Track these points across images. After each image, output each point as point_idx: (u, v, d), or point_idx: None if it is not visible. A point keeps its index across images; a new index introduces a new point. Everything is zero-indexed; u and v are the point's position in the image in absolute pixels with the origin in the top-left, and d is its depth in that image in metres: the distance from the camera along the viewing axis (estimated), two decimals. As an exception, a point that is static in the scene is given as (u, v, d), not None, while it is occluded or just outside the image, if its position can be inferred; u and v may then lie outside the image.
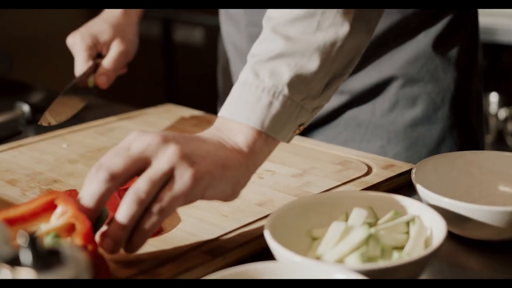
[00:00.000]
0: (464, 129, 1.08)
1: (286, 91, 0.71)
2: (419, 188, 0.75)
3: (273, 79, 0.71)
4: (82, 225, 0.58)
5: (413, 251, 0.64)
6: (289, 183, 0.87)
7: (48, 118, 0.99)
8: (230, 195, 0.70)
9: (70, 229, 0.60)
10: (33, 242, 0.42)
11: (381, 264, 0.59)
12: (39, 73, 2.36)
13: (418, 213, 0.69)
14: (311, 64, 0.72)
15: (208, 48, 2.57)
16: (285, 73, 0.71)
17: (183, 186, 0.64)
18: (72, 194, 0.77)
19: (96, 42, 1.11)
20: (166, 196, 0.64)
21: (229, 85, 1.26)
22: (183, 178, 0.64)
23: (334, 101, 1.09)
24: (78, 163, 0.97)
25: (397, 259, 0.64)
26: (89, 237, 0.58)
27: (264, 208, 0.80)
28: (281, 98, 0.71)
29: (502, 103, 2.08)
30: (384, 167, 0.91)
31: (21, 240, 0.42)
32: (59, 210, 0.61)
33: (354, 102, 1.08)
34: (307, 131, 1.13)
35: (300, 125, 0.75)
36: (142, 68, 2.99)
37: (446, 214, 0.70)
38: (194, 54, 2.67)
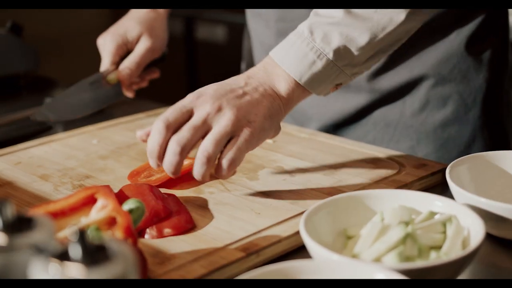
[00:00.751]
0: (495, 130, 1.07)
1: (331, 55, 0.79)
2: (454, 187, 0.74)
3: (323, 42, 0.79)
4: (123, 219, 0.58)
5: (451, 251, 0.64)
6: (321, 181, 0.87)
7: (45, 114, 0.99)
8: (274, 133, 0.83)
9: (110, 222, 0.60)
10: (83, 236, 0.42)
11: (420, 263, 0.59)
12: (65, 70, 2.37)
13: (454, 212, 0.69)
14: (360, 39, 0.80)
15: (230, 46, 2.57)
16: (335, 40, 0.79)
17: (243, 143, 0.77)
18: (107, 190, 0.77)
19: (125, 41, 1.11)
20: (230, 152, 0.77)
21: None
22: (242, 136, 0.77)
23: (363, 99, 1.08)
24: (109, 159, 0.97)
25: (435, 259, 0.63)
26: (129, 231, 0.58)
27: (296, 206, 0.80)
28: (324, 60, 0.79)
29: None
30: (416, 166, 0.90)
31: (71, 234, 0.42)
32: (99, 203, 0.62)
33: (383, 101, 1.08)
34: (335, 130, 1.12)
35: (337, 85, 0.83)
36: (164, 65, 3.00)
37: (482, 214, 0.70)
38: (216, 51, 2.67)
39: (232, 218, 0.77)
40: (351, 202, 0.72)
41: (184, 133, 0.77)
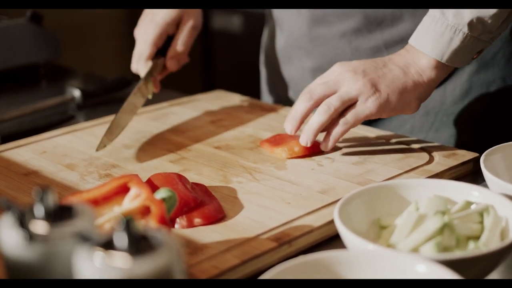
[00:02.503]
0: None
1: (466, 29, 0.83)
2: (490, 177, 0.73)
3: (456, 18, 0.83)
4: (157, 208, 0.57)
5: (490, 242, 0.63)
6: (350, 171, 0.86)
7: (104, 142, 0.96)
8: (410, 109, 0.88)
9: (144, 211, 0.59)
10: (128, 225, 0.41)
11: (460, 254, 0.58)
12: (82, 59, 2.37)
13: (491, 202, 0.67)
14: (491, 9, 0.83)
15: (247, 35, 2.55)
16: (467, 14, 0.83)
17: (364, 109, 0.86)
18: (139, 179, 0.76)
19: (166, 28, 1.05)
20: (350, 114, 0.86)
21: (273, 74, 1.23)
22: (366, 103, 0.85)
23: None
24: (134, 148, 0.97)
25: (475, 249, 0.62)
26: (164, 220, 0.58)
27: (326, 195, 0.79)
28: (461, 35, 0.84)
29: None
30: (446, 156, 0.89)
31: (117, 223, 0.41)
32: (132, 192, 0.61)
33: None
34: (371, 121, 1.10)
35: (478, 52, 0.87)
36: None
37: (519, 204, 0.68)
38: (232, 41, 2.66)
39: (262, 208, 0.77)
40: (385, 191, 0.71)
41: (332, 99, 0.87)
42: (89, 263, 0.41)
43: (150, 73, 1.03)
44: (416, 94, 0.87)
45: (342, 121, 0.86)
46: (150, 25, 1.05)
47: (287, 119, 0.90)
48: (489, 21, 0.83)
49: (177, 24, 1.06)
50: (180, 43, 1.05)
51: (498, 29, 0.85)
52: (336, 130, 0.87)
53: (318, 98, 0.87)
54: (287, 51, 1.16)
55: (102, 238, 0.42)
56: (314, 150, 0.91)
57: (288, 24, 1.12)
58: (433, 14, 0.86)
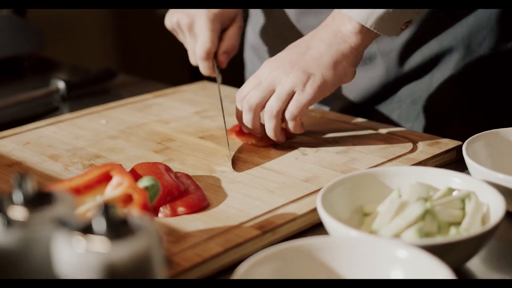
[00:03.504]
0: None
1: None
2: (472, 164, 0.73)
3: None
4: (139, 196, 0.57)
5: (471, 227, 0.63)
6: (334, 160, 0.86)
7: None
8: (347, 78, 0.88)
9: (126, 200, 0.59)
10: (107, 210, 0.41)
11: (441, 239, 0.58)
12: (68, 51, 2.35)
13: (472, 189, 0.68)
14: None
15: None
16: None
17: (305, 96, 0.85)
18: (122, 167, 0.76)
19: (226, 23, 1.02)
20: (293, 107, 0.85)
21: (259, 65, 1.22)
22: (304, 91, 0.85)
23: (391, 75, 1.04)
24: (119, 138, 0.96)
25: (456, 235, 0.62)
26: (146, 208, 0.58)
27: (310, 184, 0.79)
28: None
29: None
30: (430, 144, 0.89)
31: (95, 208, 0.41)
32: (114, 181, 0.61)
33: (411, 76, 1.04)
34: (360, 109, 1.08)
35: (406, 22, 0.85)
36: (168, 48, 2.98)
37: (500, 191, 0.69)
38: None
39: (246, 197, 0.77)
40: (368, 179, 0.72)
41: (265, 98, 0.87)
42: (68, 248, 0.41)
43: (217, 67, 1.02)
44: (348, 63, 0.86)
45: (288, 117, 0.86)
46: (208, 14, 0.99)
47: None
48: None
49: (231, 20, 1.04)
50: (234, 38, 1.03)
51: None
52: (290, 125, 0.87)
53: (256, 106, 0.87)
54: (275, 41, 1.15)
55: (81, 223, 0.42)
56: (286, 136, 0.92)
57: (276, 15, 1.12)
58: None
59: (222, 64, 1.02)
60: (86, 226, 0.42)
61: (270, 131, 0.88)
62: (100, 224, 0.41)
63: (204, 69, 1.02)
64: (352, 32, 0.85)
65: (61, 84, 1.22)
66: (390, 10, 0.83)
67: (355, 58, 0.87)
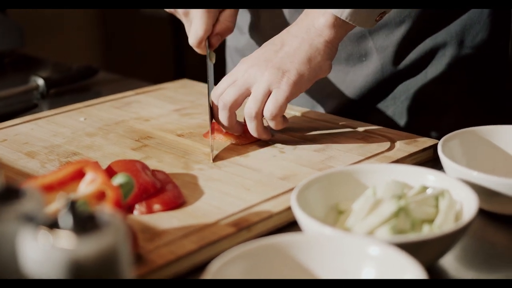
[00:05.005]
0: None
1: None
2: (446, 161, 0.74)
3: None
4: (112, 193, 0.57)
5: (444, 224, 0.64)
6: (312, 158, 0.86)
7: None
8: (323, 72, 0.87)
9: (100, 196, 0.59)
10: (73, 206, 0.41)
11: (413, 236, 0.59)
12: (50, 48, 2.34)
13: (446, 186, 0.68)
14: None
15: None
16: None
17: (281, 94, 0.84)
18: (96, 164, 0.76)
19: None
20: (271, 105, 0.85)
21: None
22: (280, 88, 0.84)
23: (387, 72, 1.04)
24: (96, 136, 0.96)
25: (429, 232, 0.63)
26: (119, 205, 0.57)
27: (287, 182, 0.79)
28: None
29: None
30: (407, 142, 0.89)
31: (62, 203, 0.41)
32: (88, 177, 0.60)
33: (406, 73, 1.04)
34: (354, 108, 1.08)
35: (381, 14, 0.86)
36: (151, 44, 2.97)
37: (474, 189, 0.69)
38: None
39: (223, 194, 0.77)
40: (343, 176, 0.72)
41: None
42: (33, 243, 0.41)
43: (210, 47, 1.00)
44: (323, 57, 0.86)
45: (268, 117, 0.86)
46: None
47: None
48: None
49: None
50: (231, 20, 1.00)
51: None
52: (271, 124, 0.87)
53: (232, 104, 0.87)
54: (263, 41, 1.13)
55: (47, 219, 0.42)
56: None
57: (265, 14, 1.11)
58: None
59: (212, 46, 1.00)
60: (52, 222, 0.42)
61: (253, 132, 0.88)
62: (66, 219, 0.41)
63: (198, 51, 1.00)
64: (326, 25, 0.85)
65: (40, 81, 1.22)
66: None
67: (330, 51, 0.87)
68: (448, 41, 1.02)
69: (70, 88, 1.27)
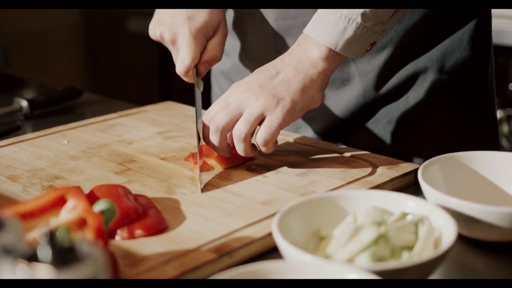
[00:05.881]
0: (493, 123, 1.08)
1: (359, 19, 0.85)
2: (426, 188, 0.74)
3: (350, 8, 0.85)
4: (94, 220, 0.57)
5: (423, 251, 0.64)
6: (294, 182, 0.87)
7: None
8: (315, 102, 0.90)
9: (81, 223, 0.59)
10: (52, 238, 0.41)
11: (392, 264, 0.59)
12: (35, 68, 2.34)
13: (426, 213, 0.69)
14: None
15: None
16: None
17: (274, 121, 0.85)
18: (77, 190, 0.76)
19: (208, 33, 1.00)
20: (264, 131, 0.86)
21: (227, 87, 1.22)
22: (274, 115, 0.85)
23: (369, 97, 1.05)
24: (80, 159, 0.96)
25: (407, 259, 0.63)
26: (101, 232, 0.57)
27: (269, 207, 0.80)
28: (354, 24, 0.85)
29: (497, 106, 2.09)
30: (388, 167, 0.90)
31: (40, 236, 0.41)
32: (69, 204, 0.61)
33: (388, 98, 1.05)
34: (337, 131, 1.09)
35: (371, 44, 0.89)
36: (136, 64, 2.98)
37: (454, 215, 0.70)
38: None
39: (204, 219, 0.77)
40: (324, 202, 0.72)
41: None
42: (12, 276, 0.41)
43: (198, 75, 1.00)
44: (316, 88, 0.88)
45: (260, 142, 0.86)
46: (191, 28, 0.98)
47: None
48: (381, 13, 0.85)
49: (215, 30, 1.02)
50: (218, 48, 1.01)
51: (389, 21, 0.87)
52: (262, 150, 0.88)
53: (223, 127, 0.87)
54: (249, 63, 1.14)
55: (27, 251, 0.42)
56: (245, 159, 0.93)
57: (251, 37, 1.12)
58: None
59: (200, 74, 1.01)
60: (31, 254, 0.42)
61: (241, 152, 0.89)
62: (45, 251, 0.41)
63: (185, 79, 1.01)
64: (320, 58, 0.87)
65: (24, 103, 1.22)
66: (358, 33, 0.85)
67: (322, 83, 0.89)
68: (429, 66, 1.03)
69: (54, 109, 1.27)
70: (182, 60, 0.98)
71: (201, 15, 0.99)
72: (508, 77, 2.19)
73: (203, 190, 0.85)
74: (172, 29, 0.99)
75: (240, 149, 0.88)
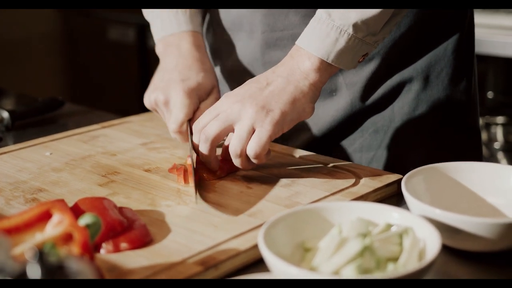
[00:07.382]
0: (476, 132, 1.10)
1: (351, 30, 0.86)
2: (410, 198, 0.75)
3: (341, 19, 0.86)
4: (80, 235, 0.57)
5: (408, 263, 0.65)
6: (278, 193, 0.87)
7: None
8: (306, 114, 0.90)
9: (67, 238, 0.59)
10: (42, 256, 0.41)
11: (378, 275, 0.60)
12: (13, 78, 2.33)
13: (410, 224, 0.69)
14: (374, 9, 0.86)
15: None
16: (352, 16, 0.86)
17: (264, 132, 0.86)
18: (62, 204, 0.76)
19: (201, 96, 1.02)
20: (254, 144, 0.86)
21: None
22: (263, 127, 0.86)
23: (356, 106, 1.06)
24: (63, 171, 0.95)
25: (393, 271, 0.64)
26: (87, 247, 0.57)
27: (254, 218, 0.80)
28: (346, 36, 0.86)
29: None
30: (372, 178, 0.91)
31: (30, 254, 0.41)
32: (55, 219, 0.60)
33: (375, 108, 1.07)
34: (324, 141, 1.09)
35: (363, 55, 0.89)
36: (117, 74, 2.97)
37: (437, 225, 0.71)
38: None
39: (190, 231, 0.77)
40: (309, 214, 0.73)
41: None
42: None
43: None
44: (307, 99, 0.89)
45: (252, 155, 0.87)
46: (184, 88, 0.99)
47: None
48: (373, 23, 0.86)
49: (208, 94, 1.03)
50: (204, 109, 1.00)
51: (380, 32, 0.88)
52: (255, 161, 0.88)
53: (214, 138, 0.88)
54: (237, 75, 1.14)
55: (16, 269, 0.42)
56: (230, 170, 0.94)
57: (239, 49, 1.12)
58: (320, 15, 0.88)
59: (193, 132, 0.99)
60: (21, 273, 0.42)
61: (239, 166, 0.89)
62: (35, 271, 0.41)
63: (178, 138, 1.01)
64: (311, 69, 0.88)
65: (5, 114, 1.21)
66: (350, 44, 0.86)
67: (313, 94, 0.89)
68: (414, 77, 1.05)
69: (36, 120, 1.26)
70: (175, 116, 0.99)
71: (194, 78, 1.01)
72: (486, 85, 2.22)
73: (186, 201, 0.85)
74: (166, 91, 1.00)
75: (237, 163, 0.89)
